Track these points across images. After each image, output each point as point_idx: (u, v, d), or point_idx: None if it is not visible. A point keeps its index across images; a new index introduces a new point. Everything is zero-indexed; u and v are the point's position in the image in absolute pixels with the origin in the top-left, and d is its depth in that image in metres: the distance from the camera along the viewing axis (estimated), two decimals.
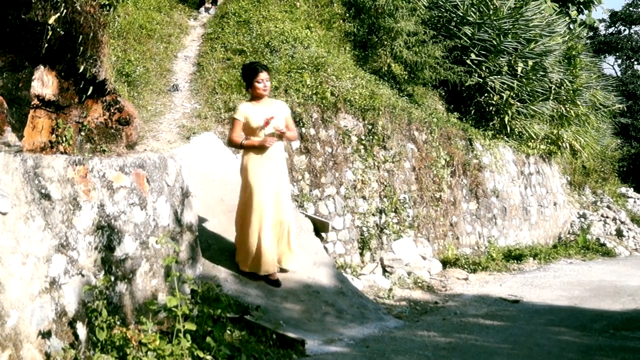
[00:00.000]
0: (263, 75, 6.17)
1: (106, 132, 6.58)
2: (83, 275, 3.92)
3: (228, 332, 4.86)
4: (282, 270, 6.46)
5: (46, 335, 3.59)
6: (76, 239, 3.90)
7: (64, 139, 5.84)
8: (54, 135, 5.75)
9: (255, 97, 6.25)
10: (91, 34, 5.83)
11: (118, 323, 3.98)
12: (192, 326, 4.07)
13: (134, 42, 10.12)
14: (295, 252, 6.46)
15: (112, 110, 6.67)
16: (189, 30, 11.91)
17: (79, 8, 5.59)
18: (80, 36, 5.63)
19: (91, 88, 6.10)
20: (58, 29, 5.25)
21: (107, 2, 7.18)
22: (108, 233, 4.19)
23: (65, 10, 5.30)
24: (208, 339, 4.25)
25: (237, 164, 7.54)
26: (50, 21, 5.12)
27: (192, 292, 4.58)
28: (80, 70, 5.82)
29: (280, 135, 6.16)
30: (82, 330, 3.86)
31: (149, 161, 4.79)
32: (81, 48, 5.71)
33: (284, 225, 6.23)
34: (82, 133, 6.24)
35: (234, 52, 10.39)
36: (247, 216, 6.09)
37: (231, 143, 6.36)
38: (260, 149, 6.10)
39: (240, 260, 6.25)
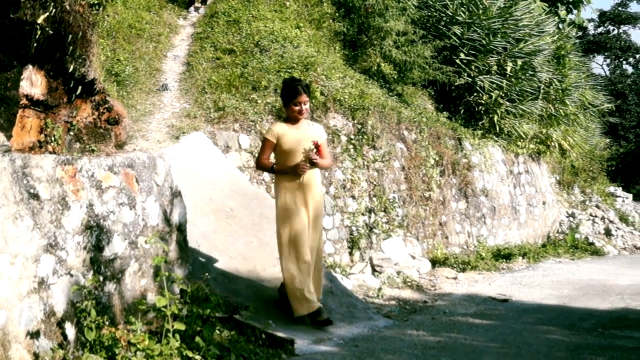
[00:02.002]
0: (303, 97, 5.59)
1: (95, 131, 6.55)
2: (72, 275, 3.92)
3: (217, 331, 4.86)
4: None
5: (35, 335, 3.57)
6: (65, 239, 3.89)
7: (53, 138, 5.81)
8: (42, 135, 5.73)
9: (291, 118, 5.72)
10: (80, 34, 5.81)
11: (107, 323, 3.96)
12: (181, 326, 4.07)
13: (123, 42, 10.09)
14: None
15: (101, 110, 6.63)
16: (179, 30, 11.89)
17: (68, 7, 5.57)
18: (70, 36, 5.61)
19: (80, 87, 6.07)
20: (47, 29, 5.23)
21: (96, 2, 7.15)
22: (97, 233, 4.18)
23: (54, 10, 5.28)
24: (197, 338, 4.25)
25: (226, 164, 7.55)
26: (39, 20, 5.11)
27: (181, 292, 4.58)
28: (69, 70, 5.79)
29: (314, 162, 5.62)
30: (70, 330, 3.86)
31: (138, 161, 4.78)
32: (70, 47, 5.69)
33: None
34: (71, 133, 6.21)
35: (223, 52, 10.38)
36: (284, 249, 5.62)
37: (260, 166, 5.86)
38: (293, 174, 5.59)
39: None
